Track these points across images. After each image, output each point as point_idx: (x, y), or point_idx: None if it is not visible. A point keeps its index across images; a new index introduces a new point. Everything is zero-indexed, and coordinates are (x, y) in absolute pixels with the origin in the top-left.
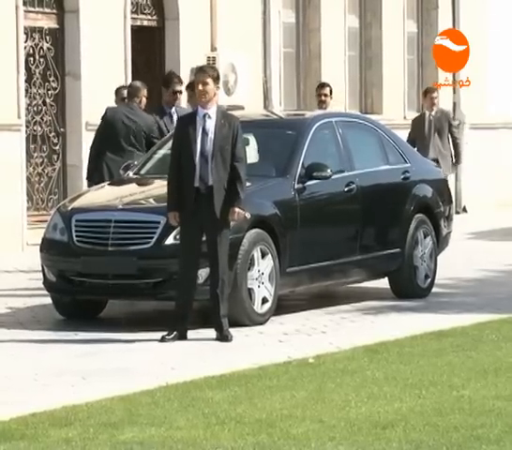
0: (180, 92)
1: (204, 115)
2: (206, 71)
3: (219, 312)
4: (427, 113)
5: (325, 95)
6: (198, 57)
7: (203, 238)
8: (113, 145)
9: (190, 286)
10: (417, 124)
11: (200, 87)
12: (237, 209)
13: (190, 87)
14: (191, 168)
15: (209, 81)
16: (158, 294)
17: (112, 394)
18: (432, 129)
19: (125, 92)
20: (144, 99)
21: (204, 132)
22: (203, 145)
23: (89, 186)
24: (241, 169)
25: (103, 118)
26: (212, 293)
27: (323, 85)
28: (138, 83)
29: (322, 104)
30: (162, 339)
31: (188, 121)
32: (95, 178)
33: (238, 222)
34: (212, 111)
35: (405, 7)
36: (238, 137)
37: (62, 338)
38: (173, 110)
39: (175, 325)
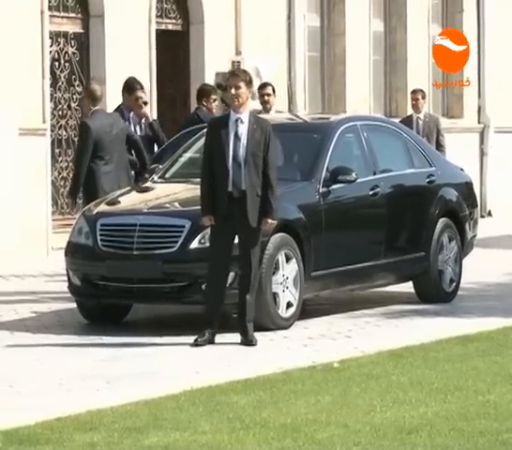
0: (142, 98)
1: (237, 120)
2: (239, 75)
3: (246, 317)
4: (414, 116)
5: (268, 94)
6: (223, 61)
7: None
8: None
9: (221, 290)
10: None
11: (233, 91)
12: (270, 220)
13: (221, 88)
14: (225, 172)
15: (242, 84)
16: (182, 298)
17: (137, 398)
18: (421, 134)
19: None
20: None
21: (237, 137)
22: (235, 150)
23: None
24: (273, 176)
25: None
26: (241, 298)
27: (265, 85)
28: (96, 87)
29: (265, 104)
30: (195, 343)
31: (221, 125)
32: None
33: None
34: (244, 115)
35: (430, 10)
36: (270, 142)
37: (87, 343)
38: (132, 114)
39: (205, 329)
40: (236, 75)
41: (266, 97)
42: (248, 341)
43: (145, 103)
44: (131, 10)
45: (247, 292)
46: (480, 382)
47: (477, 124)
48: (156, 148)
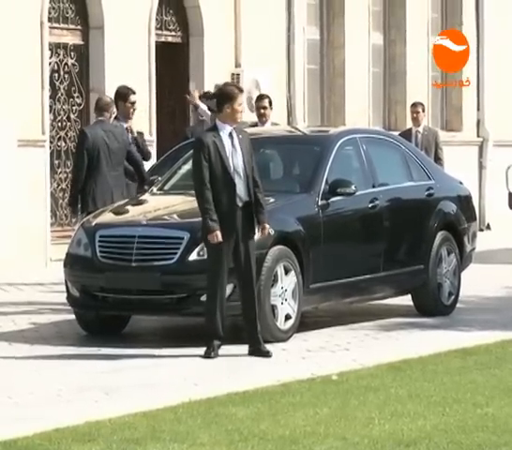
0: (135, 103)
1: (230, 132)
2: (241, 89)
3: (257, 328)
4: (413, 129)
5: (265, 107)
6: (222, 74)
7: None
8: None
9: (222, 302)
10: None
11: (243, 107)
12: (267, 225)
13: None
14: (230, 185)
15: (242, 98)
16: (181, 310)
17: (136, 410)
18: (420, 147)
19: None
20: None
21: (234, 149)
22: (235, 162)
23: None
24: (260, 182)
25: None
26: (247, 310)
27: (262, 97)
28: (107, 99)
29: (262, 117)
30: (207, 355)
31: (216, 139)
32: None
33: (262, 238)
34: (232, 127)
35: (429, 23)
36: (251, 150)
37: (85, 354)
38: (130, 123)
39: (212, 341)
40: (241, 90)
41: (262, 110)
42: (264, 353)
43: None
44: (131, 22)
45: (253, 302)
46: (479, 396)
47: (476, 137)
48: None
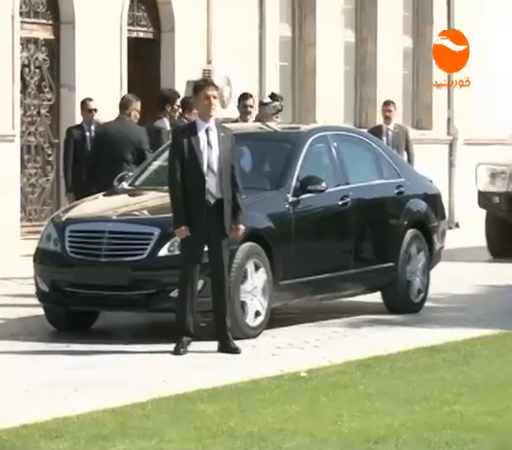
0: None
1: (207, 129)
2: (214, 84)
3: (227, 324)
4: (384, 127)
5: (251, 106)
6: (193, 70)
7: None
8: (107, 160)
9: (192, 299)
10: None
11: (212, 100)
12: (241, 226)
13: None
14: (200, 181)
15: (216, 94)
16: (150, 306)
17: (104, 406)
18: (391, 145)
19: (90, 103)
20: (136, 112)
21: (209, 145)
22: (209, 158)
23: (72, 199)
24: (240, 183)
25: (96, 134)
26: (218, 306)
27: (247, 96)
28: (130, 96)
29: (246, 115)
30: (176, 352)
31: (190, 134)
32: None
33: (233, 236)
34: (212, 123)
35: (401, 22)
36: (235, 150)
37: (54, 350)
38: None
39: (182, 337)
40: (213, 84)
41: (249, 108)
42: (233, 349)
43: (95, 110)
44: (103, 18)
45: (224, 299)
46: (447, 393)
47: (446, 135)
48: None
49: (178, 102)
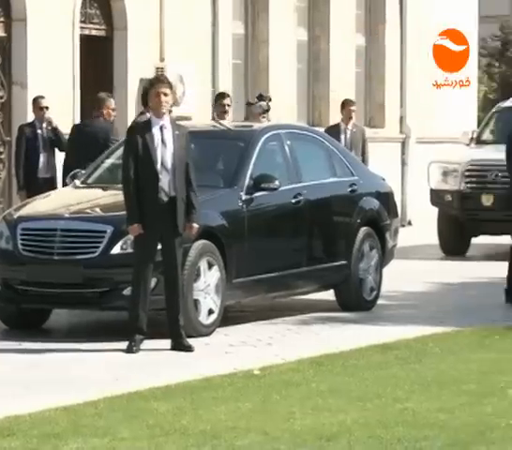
0: (41, 104)
1: (161, 126)
2: (166, 81)
3: (180, 322)
4: (342, 126)
5: (228, 105)
6: (146, 68)
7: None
8: (82, 159)
9: (145, 297)
10: (332, 136)
11: (162, 98)
12: (195, 225)
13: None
14: (153, 179)
15: (169, 91)
16: (103, 304)
17: (56, 404)
18: (349, 145)
19: (42, 101)
20: (110, 111)
21: (163, 143)
22: (163, 156)
23: (24, 197)
24: (194, 181)
25: (70, 134)
26: (171, 304)
27: (223, 96)
28: (103, 95)
29: (223, 114)
30: (129, 350)
31: (144, 131)
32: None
33: (186, 234)
34: (166, 121)
35: (354, 20)
36: (189, 148)
37: (5, 348)
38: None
39: (135, 336)
40: (164, 82)
41: (226, 108)
42: (186, 347)
43: (46, 108)
44: (55, 15)
45: (177, 297)
46: (399, 390)
47: (399, 134)
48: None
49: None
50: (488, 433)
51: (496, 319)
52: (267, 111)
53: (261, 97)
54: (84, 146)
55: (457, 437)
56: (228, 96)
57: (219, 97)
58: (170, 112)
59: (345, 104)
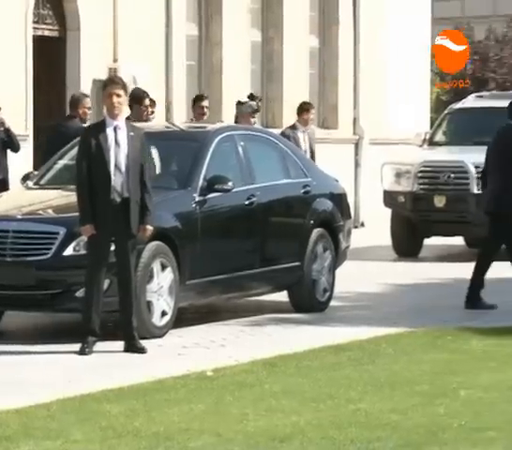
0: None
1: (115, 127)
2: (119, 83)
3: (133, 324)
4: (300, 128)
5: (207, 107)
6: (99, 69)
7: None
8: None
9: (98, 298)
10: (289, 138)
11: (115, 99)
12: (149, 227)
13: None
14: (106, 180)
15: (122, 92)
16: (56, 306)
17: (8, 407)
18: (307, 146)
19: None
20: (86, 110)
21: (117, 144)
22: (116, 157)
23: None
24: (149, 183)
25: (48, 134)
26: (124, 306)
27: (202, 98)
28: (79, 94)
29: (202, 116)
30: (82, 352)
31: (98, 132)
32: None
33: (140, 235)
34: (121, 122)
35: (307, 22)
36: (145, 149)
37: None
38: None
39: (88, 337)
40: (117, 83)
41: (205, 110)
42: (139, 349)
43: None
44: (7, 16)
45: (130, 298)
46: (352, 391)
47: (352, 135)
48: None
49: (147, 102)
50: (440, 434)
51: (448, 320)
52: (257, 111)
53: (252, 97)
54: (61, 147)
55: (409, 438)
56: (206, 98)
57: (198, 100)
58: (152, 113)
59: (307, 108)
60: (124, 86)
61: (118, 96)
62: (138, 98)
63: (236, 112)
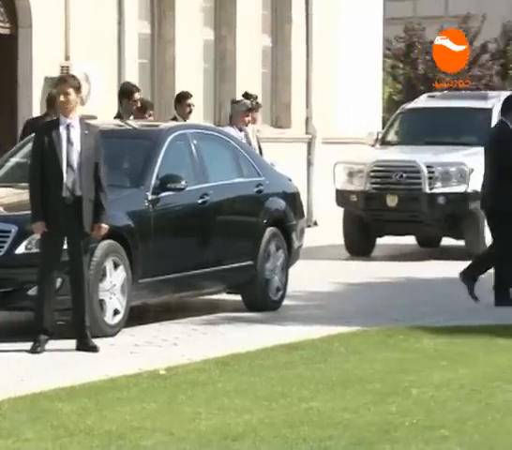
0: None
1: (68, 125)
2: (68, 81)
3: (85, 323)
4: (251, 127)
5: (193, 105)
6: (51, 66)
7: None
8: None
9: (53, 296)
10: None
11: (62, 98)
12: (104, 225)
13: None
14: (58, 178)
15: (71, 91)
16: (7, 304)
17: None
18: (258, 144)
19: None
20: None
21: (69, 142)
22: (68, 155)
23: None
24: (104, 181)
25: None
26: (77, 304)
27: (188, 95)
28: (54, 92)
29: (189, 114)
30: (33, 350)
31: (51, 130)
32: None
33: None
34: (75, 120)
35: (260, 20)
36: (100, 147)
37: None
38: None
39: (40, 336)
40: (66, 81)
41: (192, 107)
42: (91, 347)
43: None
44: None
45: (83, 297)
46: (304, 390)
47: (305, 134)
48: None
49: (137, 96)
50: (392, 432)
51: (401, 319)
52: (252, 109)
53: (247, 96)
54: None
55: (361, 436)
56: (191, 95)
57: (183, 98)
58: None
59: (257, 108)
60: (73, 84)
61: (67, 94)
62: (127, 93)
63: (231, 111)
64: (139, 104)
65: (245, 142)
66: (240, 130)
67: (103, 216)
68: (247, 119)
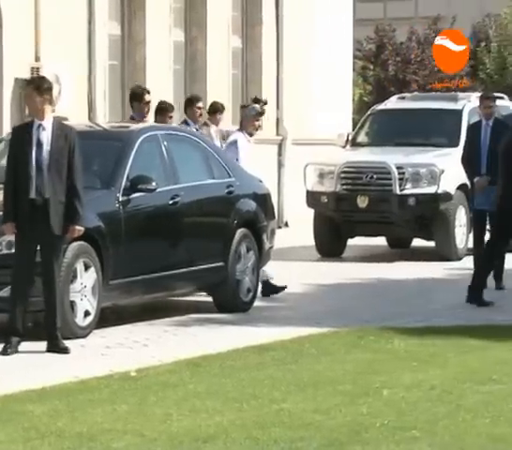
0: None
1: (39, 126)
2: (34, 83)
3: (56, 324)
4: (213, 128)
5: (203, 108)
6: (22, 67)
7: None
8: None
9: (25, 298)
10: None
11: (29, 100)
12: (77, 227)
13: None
14: (27, 179)
15: (36, 93)
16: None
17: None
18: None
19: None
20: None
21: (39, 143)
22: (38, 156)
23: None
24: (79, 183)
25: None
26: (48, 306)
27: (197, 99)
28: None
29: (199, 117)
30: (4, 352)
31: (23, 132)
32: None
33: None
34: (47, 122)
35: (230, 22)
36: (75, 148)
37: None
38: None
39: (11, 337)
40: (31, 82)
41: (201, 110)
42: (62, 349)
43: None
44: None
45: (54, 298)
46: (275, 391)
47: (275, 135)
48: None
49: (147, 98)
50: (363, 433)
51: (371, 320)
52: (262, 114)
53: (256, 100)
54: None
55: (332, 437)
56: (200, 98)
57: (193, 101)
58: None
59: (221, 110)
60: (40, 86)
61: (32, 96)
62: (137, 95)
63: (241, 115)
64: (149, 106)
65: (252, 144)
66: (250, 135)
67: (76, 217)
68: (257, 124)
